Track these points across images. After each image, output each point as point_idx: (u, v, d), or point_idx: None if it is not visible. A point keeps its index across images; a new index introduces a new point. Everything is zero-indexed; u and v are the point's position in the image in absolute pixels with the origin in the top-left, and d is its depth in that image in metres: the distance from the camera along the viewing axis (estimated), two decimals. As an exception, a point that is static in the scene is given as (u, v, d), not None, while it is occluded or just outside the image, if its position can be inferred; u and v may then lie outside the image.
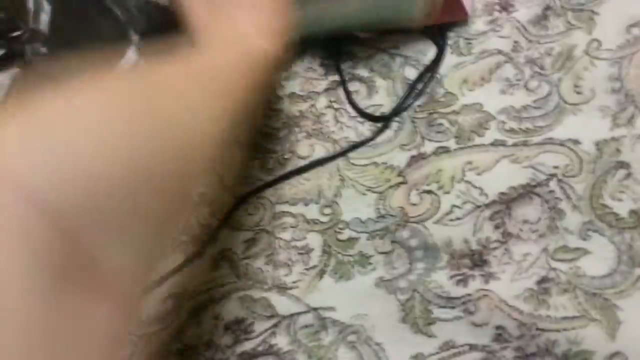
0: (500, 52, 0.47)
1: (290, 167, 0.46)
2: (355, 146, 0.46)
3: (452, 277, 0.38)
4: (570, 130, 0.42)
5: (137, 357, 0.41)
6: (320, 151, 0.47)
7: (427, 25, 0.49)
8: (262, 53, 0.31)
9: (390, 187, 0.43)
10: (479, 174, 0.42)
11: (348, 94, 0.47)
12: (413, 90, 0.48)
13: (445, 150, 0.44)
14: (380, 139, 0.46)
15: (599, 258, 0.36)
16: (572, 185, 0.39)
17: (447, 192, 0.42)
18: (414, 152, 0.44)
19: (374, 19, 0.44)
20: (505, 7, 0.49)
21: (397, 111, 0.47)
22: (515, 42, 0.47)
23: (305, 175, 0.46)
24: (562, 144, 0.41)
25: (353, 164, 0.45)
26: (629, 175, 0.38)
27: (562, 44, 0.46)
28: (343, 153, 0.46)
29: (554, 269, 0.37)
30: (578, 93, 0.43)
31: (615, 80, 0.43)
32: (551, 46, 0.46)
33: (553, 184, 0.40)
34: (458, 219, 0.40)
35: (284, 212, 0.45)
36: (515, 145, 0.42)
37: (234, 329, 0.40)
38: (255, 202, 0.46)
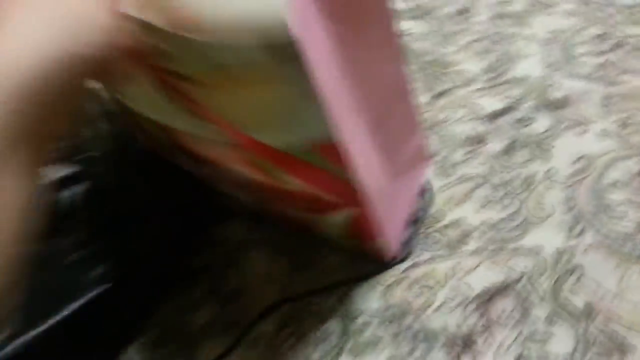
0: (478, 175, 0.59)
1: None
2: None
3: (447, 354, 0.48)
4: (536, 239, 0.53)
5: None
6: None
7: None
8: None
9: (395, 282, 0.54)
10: (466, 274, 0.52)
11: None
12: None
13: (439, 256, 0.55)
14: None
15: (562, 340, 0.46)
16: (539, 282, 0.50)
17: (442, 287, 0.52)
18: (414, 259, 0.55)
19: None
20: (482, 140, 0.62)
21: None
22: (491, 167, 0.60)
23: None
24: (530, 250, 0.52)
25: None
26: (582, 275, 0.49)
27: (527, 170, 0.59)
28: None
29: (528, 348, 0.47)
30: (541, 209, 0.55)
31: (570, 200, 0.55)
32: (519, 171, 0.59)
33: (524, 281, 0.50)
34: (451, 308, 0.50)
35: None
36: (493, 251, 0.53)
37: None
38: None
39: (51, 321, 0.45)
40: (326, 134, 0.36)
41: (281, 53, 0.30)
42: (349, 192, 0.42)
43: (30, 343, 0.43)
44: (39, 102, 0.27)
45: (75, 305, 0.47)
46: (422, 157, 0.54)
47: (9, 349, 0.43)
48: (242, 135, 0.39)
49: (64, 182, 0.53)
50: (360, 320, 0.52)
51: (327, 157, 0.38)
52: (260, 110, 0.36)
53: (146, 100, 0.43)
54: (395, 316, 0.51)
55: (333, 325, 0.52)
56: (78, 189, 0.53)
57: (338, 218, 0.47)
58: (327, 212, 0.47)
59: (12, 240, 0.26)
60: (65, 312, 0.47)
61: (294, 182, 0.43)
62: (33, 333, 0.44)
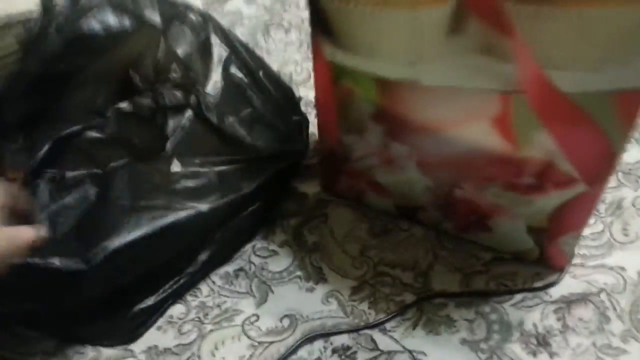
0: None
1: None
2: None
3: (523, 349, 0.49)
4: (618, 260, 0.55)
5: (255, 360, 0.50)
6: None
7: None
8: None
9: (475, 272, 0.55)
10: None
11: None
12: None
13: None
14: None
15: (634, 358, 0.48)
16: (617, 299, 0.52)
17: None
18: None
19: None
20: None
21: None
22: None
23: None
24: (611, 268, 0.54)
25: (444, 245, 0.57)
26: (661, 302, 0.51)
27: (613, 196, 0.60)
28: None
29: (600, 359, 0.48)
30: (625, 235, 0.57)
31: (655, 230, 0.57)
32: (604, 196, 0.60)
33: (603, 296, 0.52)
34: (529, 306, 0.52)
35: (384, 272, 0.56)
36: (574, 265, 0.55)
37: (340, 354, 0.50)
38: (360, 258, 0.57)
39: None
40: None
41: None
42: (599, 162, 0.44)
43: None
44: None
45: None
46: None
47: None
48: (538, 76, 0.40)
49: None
50: (435, 300, 0.53)
51: (621, 109, 0.40)
52: (598, 41, 0.37)
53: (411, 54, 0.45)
54: (473, 303, 0.53)
55: (407, 298, 0.53)
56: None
57: (552, 200, 0.48)
58: (545, 191, 0.48)
59: None
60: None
61: (544, 145, 0.44)
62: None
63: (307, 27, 0.88)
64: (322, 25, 0.48)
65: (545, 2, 0.37)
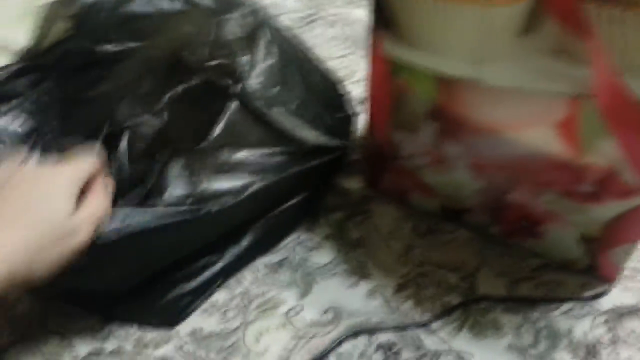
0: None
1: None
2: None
3: (571, 358, 0.48)
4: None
5: (297, 351, 0.49)
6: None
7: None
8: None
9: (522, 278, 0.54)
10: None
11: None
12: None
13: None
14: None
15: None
16: (669, 315, 0.51)
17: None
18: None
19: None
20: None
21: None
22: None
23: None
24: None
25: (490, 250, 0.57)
26: None
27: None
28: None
29: (652, 373, 0.47)
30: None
31: None
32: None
33: (655, 310, 0.51)
34: (579, 316, 0.51)
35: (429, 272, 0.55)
36: (626, 277, 0.54)
37: (385, 350, 0.49)
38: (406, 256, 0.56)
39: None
40: None
41: None
42: None
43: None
44: None
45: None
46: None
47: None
48: (613, 82, 0.39)
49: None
50: (481, 304, 0.52)
51: None
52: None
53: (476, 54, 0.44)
54: (520, 310, 0.52)
55: (453, 299, 0.53)
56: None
57: (608, 210, 0.47)
58: (603, 201, 0.47)
59: None
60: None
61: (609, 153, 0.43)
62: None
63: (351, 21, 0.89)
64: (383, 17, 0.48)
65: (630, 5, 0.36)
